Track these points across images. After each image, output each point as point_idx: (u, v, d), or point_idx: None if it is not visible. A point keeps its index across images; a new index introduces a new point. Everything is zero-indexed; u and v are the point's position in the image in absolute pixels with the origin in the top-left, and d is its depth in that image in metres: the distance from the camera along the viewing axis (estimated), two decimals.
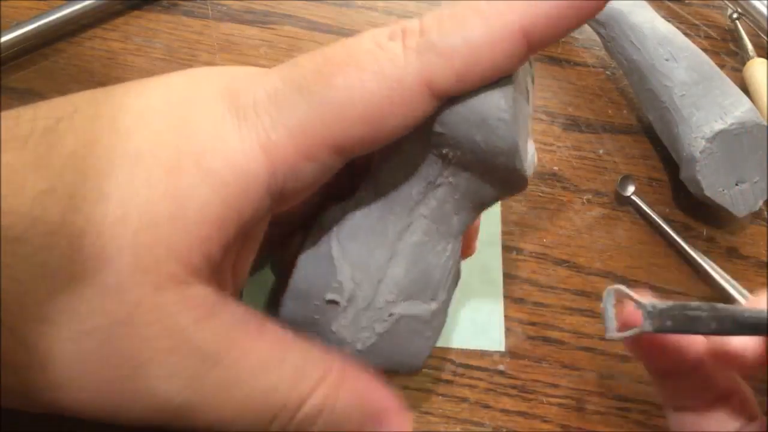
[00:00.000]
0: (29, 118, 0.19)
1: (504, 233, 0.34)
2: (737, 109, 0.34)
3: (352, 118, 0.20)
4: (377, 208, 0.23)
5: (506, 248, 0.34)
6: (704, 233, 0.37)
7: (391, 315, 0.23)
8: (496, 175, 0.22)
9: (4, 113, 0.20)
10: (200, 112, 0.20)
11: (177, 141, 0.19)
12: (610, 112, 0.39)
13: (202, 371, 0.20)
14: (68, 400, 0.19)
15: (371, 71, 0.20)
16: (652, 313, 0.20)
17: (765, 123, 0.35)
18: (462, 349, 0.31)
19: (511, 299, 0.33)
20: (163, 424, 0.20)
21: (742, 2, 0.42)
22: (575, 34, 0.42)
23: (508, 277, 0.33)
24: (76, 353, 0.19)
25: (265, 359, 0.20)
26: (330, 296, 0.23)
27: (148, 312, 0.19)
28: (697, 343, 0.24)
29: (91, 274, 0.18)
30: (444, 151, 0.22)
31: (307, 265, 0.23)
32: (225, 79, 0.21)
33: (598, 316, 0.34)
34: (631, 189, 0.36)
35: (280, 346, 0.21)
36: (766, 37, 0.42)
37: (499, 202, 0.34)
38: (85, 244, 0.18)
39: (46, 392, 0.19)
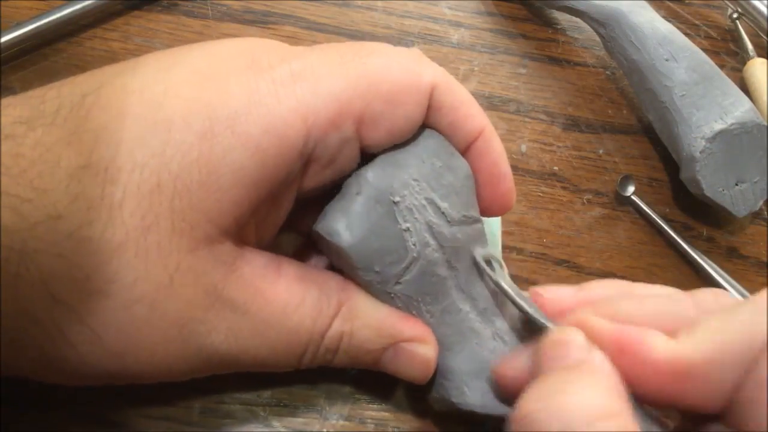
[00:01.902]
0: (54, 96, 0.20)
1: (504, 233, 0.34)
2: (737, 109, 0.34)
3: (378, 94, 0.22)
4: None
5: (506, 248, 0.34)
6: (704, 233, 0.37)
7: None
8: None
9: (28, 93, 0.20)
10: (233, 80, 0.21)
11: (209, 107, 0.20)
12: (610, 112, 0.39)
13: (235, 322, 0.21)
14: (126, 366, 0.21)
15: (398, 62, 0.22)
16: None
17: (765, 123, 0.35)
18: None
19: None
20: (210, 372, 0.23)
21: (742, 2, 0.42)
22: (575, 34, 0.42)
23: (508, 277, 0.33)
24: (129, 320, 0.20)
25: (286, 302, 0.22)
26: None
27: (185, 273, 0.20)
28: None
29: (133, 243, 0.19)
30: None
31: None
32: (254, 49, 0.22)
33: None
34: (631, 189, 0.36)
35: (299, 286, 0.23)
36: (766, 37, 0.42)
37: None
38: (125, 214, 0.19)
39: (104, 363, 0.20)
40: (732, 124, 0.34)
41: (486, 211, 0.26)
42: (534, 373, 0.21)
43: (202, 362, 0.22)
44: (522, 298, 0.24)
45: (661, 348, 0.20)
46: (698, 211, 0.37)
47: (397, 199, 0.23)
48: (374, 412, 0.28)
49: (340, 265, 0.24)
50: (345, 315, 0.23)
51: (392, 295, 0.24)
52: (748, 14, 0.42)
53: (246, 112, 0.20)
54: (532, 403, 0.19)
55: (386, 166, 0.23)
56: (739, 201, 0.35)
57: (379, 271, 0.23)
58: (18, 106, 0.20)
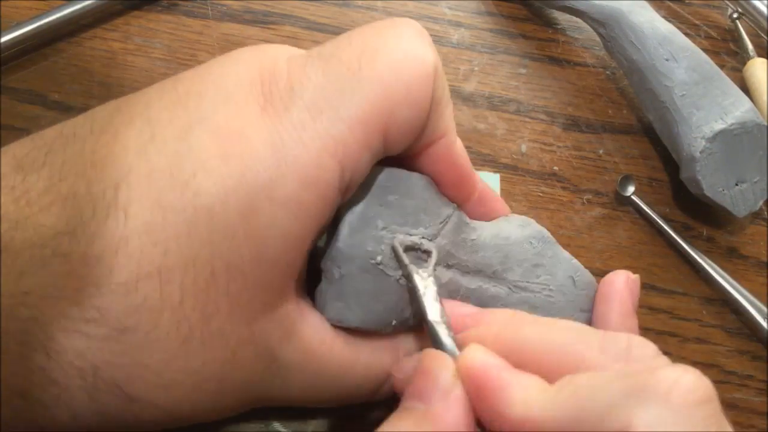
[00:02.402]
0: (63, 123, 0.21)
1: None
2: (737, 109, 0.34)
3: (396, 98, 0.21)
4: None
5: None
6: (704, 233, 0.37)
7: None
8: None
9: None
10: (255, 136, 0.20)
11: (243, 181, 0.19)
12: (610, 112, 0.39)
13: (289, 380, 0.22)
14: (164, 404, 0.21)
15: (404, 51, 0.21)
16: None
17: (765, 123, 0.35)
18: None
19: None
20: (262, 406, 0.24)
21: (742, 2, 0.42)
22: (575, 34, 0.42)
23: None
24: (199, 398, 0.21)
25: (340, 365, 0.23)
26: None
27: (245, 345, 0.21)
28: None
29: (198, 334, 0.20)
30: None
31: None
32: (256, 81, 0.21)
33: None
34: (631, 189, 0.36)
35: (352, 349, 0.23)
36: (766, 37, 0.42)
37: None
38: (187, 310, 0.19)
39: (162, 415, 0.21)
40: (732, 124, 0.34)
41: (455, 200, 0.25)
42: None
43: (249, 402, 0.23)
44: (431, 298, 0.23)
45: (518, 406, 0.19)
46: (698, 211, 0.37)
47: (378, 258, 0.23)
48: (374, 412, 0.28)
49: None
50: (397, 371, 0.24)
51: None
52: (748, 14, 0.42)
53: (279, 174, 0.19)
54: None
55: (352, 231, 0.23)
56: (739, 201, 0.35)
57: (397, 322, 0.24)
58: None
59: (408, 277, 0.23)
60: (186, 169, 0.19)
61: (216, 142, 0.20)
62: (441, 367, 0.20)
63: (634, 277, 0.28)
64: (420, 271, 0.23)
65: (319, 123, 0.20)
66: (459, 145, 0.24)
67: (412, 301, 0.24)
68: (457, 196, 0.25)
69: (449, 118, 0.23)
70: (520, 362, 0.20)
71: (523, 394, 0.19)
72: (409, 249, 0.24)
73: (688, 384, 0.18)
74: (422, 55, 0.21)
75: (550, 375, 0.20)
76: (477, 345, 0.21)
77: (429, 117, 0.22)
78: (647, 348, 0.20)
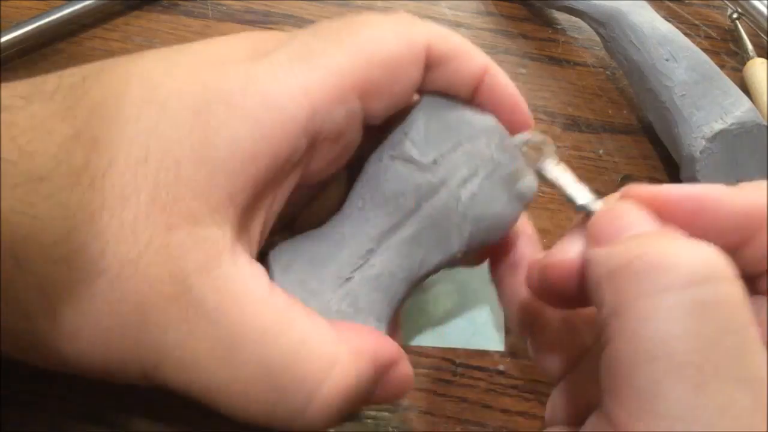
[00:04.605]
0: (55, 77, 0.20)
1: None
2: (737, 109, 0.34)
3: (377, 64, 0.21)
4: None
5: None
6: None
7: None
8: None
9: (32, 79, 0.20)
10: (231, 64, 0.20)
11: (205, 86, 0.20)
12: (610, 112, 0.39)
13: (199, 327, 0.19)
14: (76, 351, 0.19)
15: (390, 29, 0.22)
16: None
17: (765, 123, 0.35)
18: (462, 349, 0.31)
19: None
20: (166, 387, 0.19)
21: (742, 2, 0.42)
22: (575, 34, 0.42)
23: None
24: (89, 296, 0.18)
25: (266, 330, 0.19)
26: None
27: (155, 252, 0.18)
28: None
29: (109, 214, 0.18)
30: None
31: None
32: (254, 40, 0.22)
33: None
34: None
35: (285, 321, 0.20)
36: (766, 37, 0.42)
37: None
38: (106, 184, 0.18)
39: (55, 342, 0.19)
40: (732, 124, 0.34)
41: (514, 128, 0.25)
42: (592, 242, 0.19)
43: (153, 366, 0.19)
44: (574, 184, 0.23)
45: (742, 196, 0.19)
46: None
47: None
48: (374, 412, 0.28)
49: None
50: (342, 370, 0.20)
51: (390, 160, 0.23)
52: (748, 14, 0.42)
53: (242, 87, 0.20)
54: (631, 252, 0.17)
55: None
56: None
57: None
58: (20, 86, 0.19)
59: (543, 175, 0.23)
60: (156, 73, 0.20)
61: (193, 62, 0.20)
62: (633, 207, 0.19)
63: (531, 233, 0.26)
64: (547, 163, 0.23)
65: (296, 66, 0.20)
66: (504, 76, 0.25)
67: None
68: (512, 128, 0.25)
69: (480, 58, 0.24)
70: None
71: (728, 190, 0.19)
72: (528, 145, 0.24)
73: None
74: (409, 31, 0.22)
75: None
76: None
77: (452, 72, 0.23)
78: None
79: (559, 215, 0.36)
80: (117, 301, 0.18)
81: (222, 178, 0.19)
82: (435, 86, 0.24)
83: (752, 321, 0.16)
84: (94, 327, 0.18)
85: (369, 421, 0.28)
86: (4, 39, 0.33)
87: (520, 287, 0.25)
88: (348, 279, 0.22)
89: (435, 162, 0.23)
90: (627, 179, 0.36)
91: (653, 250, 0.17)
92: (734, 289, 0.17)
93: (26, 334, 0.19)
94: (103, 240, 0.18)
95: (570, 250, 0.21)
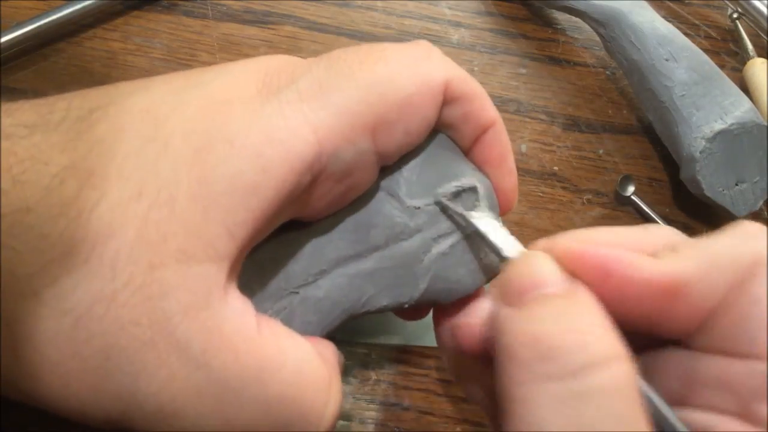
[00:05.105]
0: (63, 107, 0.19)
1: None
2: (737, 109, 0.34)
3: (390, 104, 0.21)
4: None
5: None
6: (704, 233, 0.37)
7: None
8: None
9: (40, 100, 0.20)
10: (239, 103, 0.20)
11: (210, 125, 0.19)
12: (610, 112, 0.39)
13: (183, 374, 0.17)
14: (42, 389, 0.18)
15: (408, 65, 0.21)
16: None
17: (765, 123, 0.35)
18: None
19: None
20: (137, 424, 0.18)
21: (742, 2, 0.42)
22: (575, 34, 0.42)
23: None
24: (52, 335, 0.17)
25: (260, 369, 0.18)
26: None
27: (133, 293, 0.17)
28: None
29: (89, 249, 0.17)
30: None
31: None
32: (265, 72, 0.21)
33: None
34: (631, 189, 0.36)
35: (278, 349, 0.19)
36: (766, 37, 0.42)
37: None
38: (93, 218, 0.17)
39: (18, 380, 0.18)
40: (732, 124, 0.34)
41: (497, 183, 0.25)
42: (501, 298, 0.19)
43: (119, 413, 0.18)
44: (501, 234, 0.22)
45: (652, 267, 0.19)
46: (698, 211, 0.37)
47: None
48: (374, 412, 0.28)
49: None
50: (336, 393, 0.20)
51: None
52: (748, 14, 0.42)
53: (247, 127, 0.19)
54: (520, 336, 0.17)
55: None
56: (739, 201, 0.35)
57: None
58: (27, 111, 0.19)
59: (467, 225, 0.22)
60: (162, 110, 0.19)
61: (201, 100, 0.20)
62: (546, 262, 0.19)
63: None
64: (474, 213, 0.22)
65: (305, 104, 0.20)
66: (506, 135, 0.24)
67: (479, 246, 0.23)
68: (498, 193, 0.25)
69: (492, 109, 0.24)
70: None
71: (646, 259, 0.19)
72: (454, 197, 0.23)
73: None
74: (428, 69, 0.22)
75: None
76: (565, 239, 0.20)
77: (462, 115, 0.23)
78: (681, 234, 0.21)
79: (559, 215, 0.36)
80: (82, 343, 0.17)
81: (218, 212, 0.18)
82: (440, 124, 0.23)
83: (633, 404, 0.16)
84: (55, 369, 0.17)
85: (369, 421, 0.28)
86: (4, 39, 0.33)
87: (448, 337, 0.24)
88: (291, 293, 0.22)
89: (419, 208, 0.22)
90: (627, 179, 0.36)
91: (542, 331, 0.17)
92: (614, 373, 0.16)
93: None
94: (76, 275, 0.17)
95: (479, 311, 0.21)
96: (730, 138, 0.34)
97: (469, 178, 0.23)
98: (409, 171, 0.23)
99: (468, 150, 0.24)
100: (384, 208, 0.22)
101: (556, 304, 0.18)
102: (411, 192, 0.22)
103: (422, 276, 0.22)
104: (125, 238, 0.17)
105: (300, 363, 0.19)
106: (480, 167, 0.24)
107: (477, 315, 0.22)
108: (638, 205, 0.36)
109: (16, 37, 0.33)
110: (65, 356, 0.17)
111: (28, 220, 0.17)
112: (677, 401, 0.19)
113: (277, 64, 0.21)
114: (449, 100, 0.22)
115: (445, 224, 0.23)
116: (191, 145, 0.18)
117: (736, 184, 0.35)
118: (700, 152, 0.34)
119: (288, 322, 0.21)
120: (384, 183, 0.23)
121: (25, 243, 0.17)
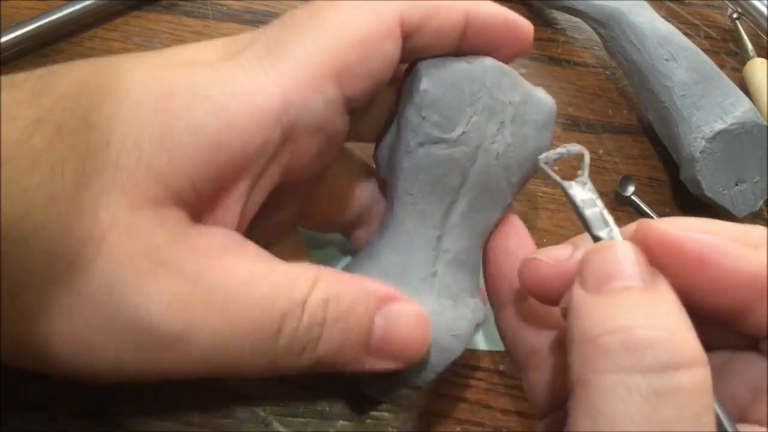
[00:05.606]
0: (27, 71, 0.20)
1: None
2: (737, 109, 0.34)
3: (348, 45, 0.21)
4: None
5: None
6: None
7: None
8: None
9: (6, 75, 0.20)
10: (200, 63, 0.20)
11: (171, 77, 0.19)
12: (610, 112, 0.39)
13: (183, 290, 0.18)
14: (48, 347, 0.18)
15: (357, 6, 0.21)
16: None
17: (765, 123, 0.35)
18: None
19: None
20: (154, 362, 0.19)
21: (742, 2, 0.42)
22: (575, 34, 0.42)
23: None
24: (48, 283, 0.18)
25: (252, 272, 0.19)
26: None
27: (122, 231, 0.18)
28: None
29: (67, 196, 0.18)
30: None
31: None
32: (220, 42, 0.22)
33: None
34: (631, 189, 0.36)
35: (265, 262, 0.20)
36: (766, 37, 0.42)
37: None
38: (66, 169, 0.18)
39: (30, 336, 0.18)
40: (732, 124, 0.34)
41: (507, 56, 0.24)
42: (579, 280, 0.19)
43: (136, 344, 0.18)
44: (594, 213, 0.21)
45: (753, 259, 0.18)
46: (698, 211, 0.37)
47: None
48: (374, 412, 0.28)
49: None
50: (328, 279, 0.20)
51: (412, 156, 0.23)
52: (748, 14, 0.42)
53: (208, 79, 0.19)
54: (604, 324, 0.17)
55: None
56: (739, 201, 0.35)
57: (438, 121, 0.22)
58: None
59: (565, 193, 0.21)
60: (121, 66, 0.20)
61: (162, 58, 0.21)
62: (631, 250, 0.19)
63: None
64: (574, 183, 0.21)
65: (264, 59, 0.20)
66: (485, 6, 0.23)
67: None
68: (511, 46, 0.24)
69: (456, 7, 0.23)
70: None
71: (745, 249, 0.18)
72: (555, 162, 0.23)
73: None
74: (375, 6, 0.21)
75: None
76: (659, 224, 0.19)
77: (433, 32, 0.22)
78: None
79: (559, 215, 0.36)
80: (80, 283, 0.18)
81: (184, 163, 0.19)
82: (419, 52, 0.23)
83: (708, 409, 0.16)
84: (57, 319, 0.18)
85: (369, 421, 0.28)
86: (4, 39, 0.33)
87: (518, 323, 0.24)
88: (433, 275, 0.23)
89: (463, 133, 0.23)
90: (627, 179, 0.36)
91: (630, 324, 0.17)
92: (695, 376, 0.16)
93: (12, 338, 0.18)
94: (61, 222, 0.18)
95: (566, 253, 0.21)
96: (730, 138, 0.34)
97: (481, 70, 0.23)
98: (428, 111, 0.23)
99: (460, 49, 0.23)
100: (439, 156, 0.23)
101: (640, 298, 0.18)
102: (446, 128, 0.23)
103: (507, 173, 0.24)
104: (101, 185, 0.18)
105: (289, 267, 0.20)
106: (487, 52, 0.24)
107: (566, 255, 0.21)
108: (638, 205, 0.36)
109: (16, 37, 0.33)
110: (66, 300, 0.18)
111: (4, 173, 0.17)
112: (741, 407, 0.19)
113: (236, 38, 0.22)
114: (412, 29, 0.22)
115: (491, 125, 0.23)
116: (153, 93, 0.19)
117: (736, 184, 0.35)
118: (700, 152, 0.34)
119: (451, 296, 0.23)
120: (419, 139, 0.23)
121: (4, 195, 0.17)
